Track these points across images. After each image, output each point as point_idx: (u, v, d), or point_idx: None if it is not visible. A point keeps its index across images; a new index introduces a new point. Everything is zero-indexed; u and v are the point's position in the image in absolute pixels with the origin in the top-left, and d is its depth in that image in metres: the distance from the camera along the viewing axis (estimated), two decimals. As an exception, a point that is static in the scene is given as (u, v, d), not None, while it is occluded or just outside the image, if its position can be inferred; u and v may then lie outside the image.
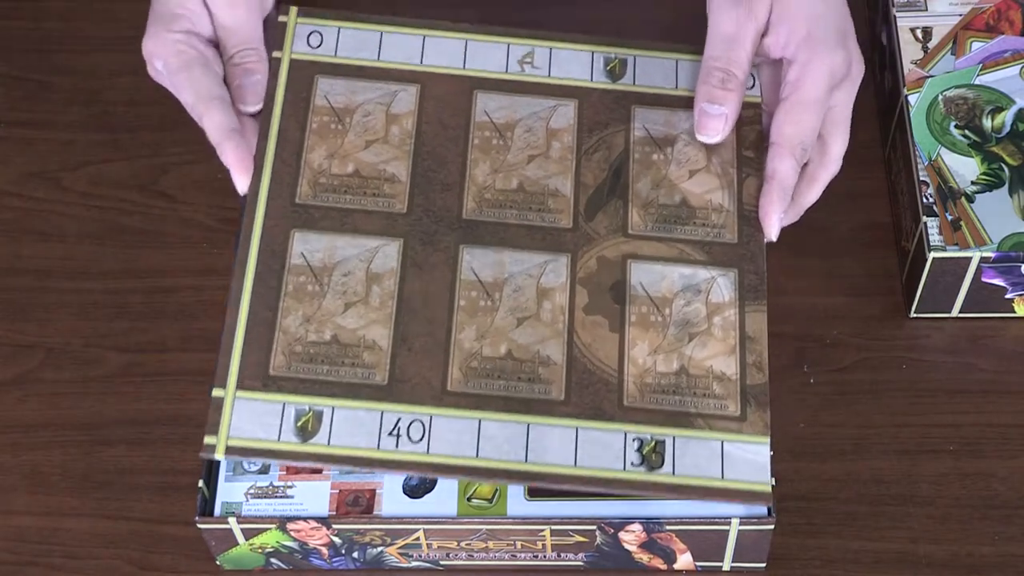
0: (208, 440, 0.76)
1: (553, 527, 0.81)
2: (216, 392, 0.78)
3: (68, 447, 0.90)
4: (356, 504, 0.82)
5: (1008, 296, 0.91)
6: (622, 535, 0.81)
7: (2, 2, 1.10)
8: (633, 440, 0.78)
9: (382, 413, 0.78)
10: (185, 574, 0.86)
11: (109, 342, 0.95)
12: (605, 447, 0.77)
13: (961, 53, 0.97)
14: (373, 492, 0.83)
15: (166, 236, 0.98)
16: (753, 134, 0.86)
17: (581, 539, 0.81)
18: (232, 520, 0.81)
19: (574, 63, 0.89)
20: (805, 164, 0.85)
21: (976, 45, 0.97)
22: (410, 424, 0.78)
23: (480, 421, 0.78)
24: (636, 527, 0.80)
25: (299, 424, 0.77)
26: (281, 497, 0.83)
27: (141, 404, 0.92)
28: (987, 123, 0.94)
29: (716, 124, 0.84)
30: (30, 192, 1.01)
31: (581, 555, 0.83)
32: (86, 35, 1.08)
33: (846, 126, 0.85)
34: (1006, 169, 0.92)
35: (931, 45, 0.97)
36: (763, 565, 0.84)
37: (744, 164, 0.85)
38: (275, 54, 0.88)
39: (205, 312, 0.94)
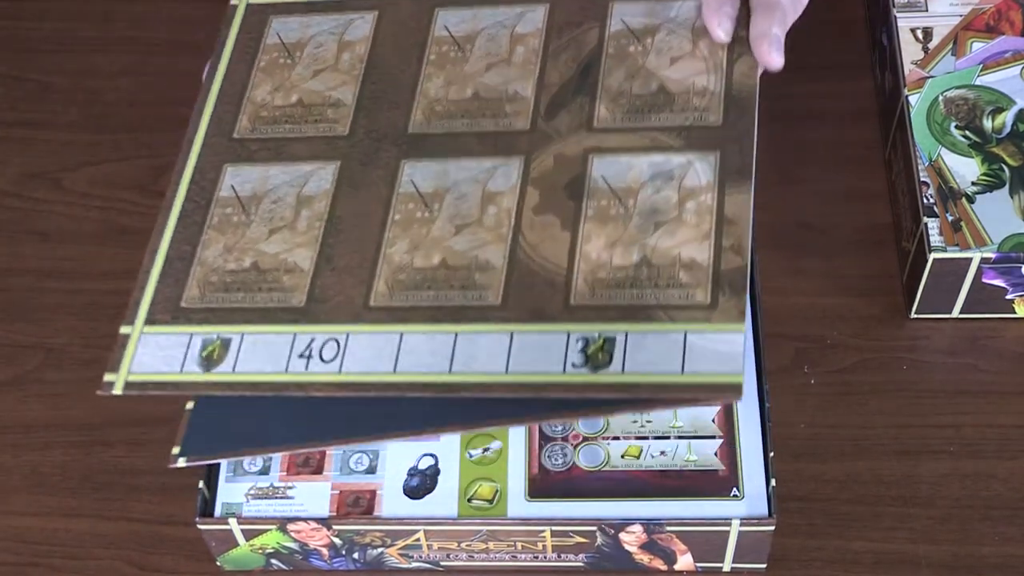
0: (107, 377, 0.74)
1: (553, 528, 0.81)
2: (123, 329, 0.75)
3: (68, 447, 0.90)
4: (356, 505, 0.82)
5: (1008, 297, 0.91)
6: (622, 536, 0.81)
7: (2, 2, 1.10)
8: (577, 341, 0.70)
9: (295, 336, 0.74)
10: (185, 575, 0.86)
11: (109, 342, 0.94)
12: (543, 350, 0.70)
13: (962, 53, 0.97)
14: (373, 493, 0.83)
15: (166, 236, 0.98)
16: (747, 11, 0.80)
17: (581, 540, 0.82)
18: (232, 521, 0.81)
19: None
20: None
21: (977, 45, 0.97)
22: (324, 344, 0.73)
23: (401, 335, 0.72)
24: (636, 528, 0.80)
25: (204, 354, 0.74)
26: (281, 498, 0.83)
27: (141, 404, 0.91)
28: (987, 124, 0.94)
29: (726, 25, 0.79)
30: (30, 192, 1.01)
31: (581, 556, 0.83)
32: (86, 35, 1.08)
33: None
34: (1006, 170, 0.92)
35: (931, 45, 0.97)
36: (763, 566, 0.84)
37: (737, 43, 0.80)
38: (232, 1, 0.87)
39: (205, 312, 0.94)
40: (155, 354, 0.75)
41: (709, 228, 0.73)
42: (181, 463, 0.79)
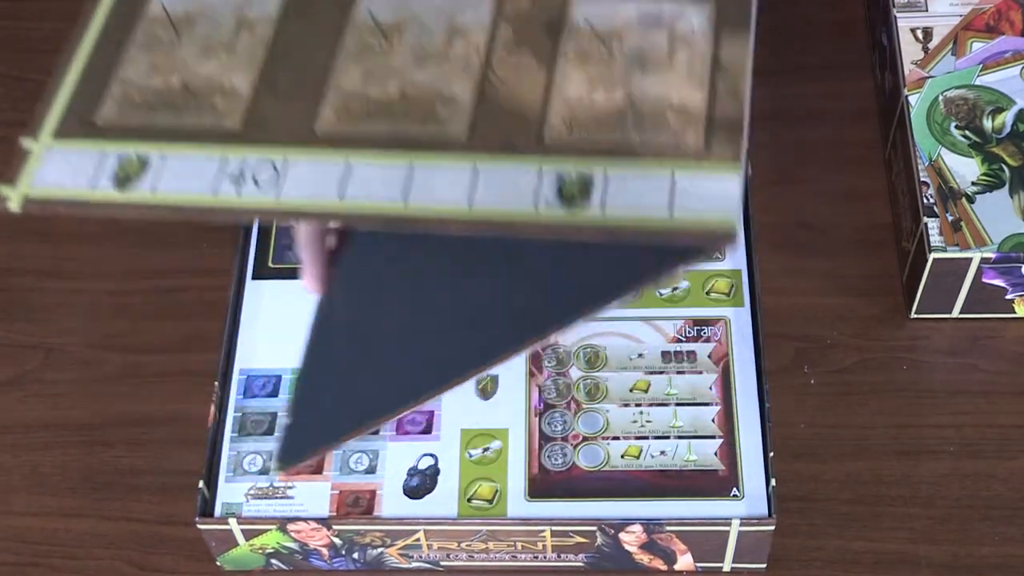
0: (2, 191, 0.67)
1: (553, 528, 0.81)
2: (25, 144, 0.69)
3: (68, 447, 0.90)
4: (356, 505, 0.82)
5: (1008, 297, 0.91)
6: (622, 536, 0.81)
7: (2, 2, 1.10)
8: (551, 177, 0.64)
9: (227, 159, 0.67)
10: (185, 575, 0.86)
11: (109, 342, 0.95)
12: (511, 186, 0.64)
13: (961, 53, 0.97)
14: (373, 493, 0.83)
15: (166, 236, 0.98)
16: None
17: (581, 540, 0.81)
18: (232, 521, 0.81)
19: None
20: None
21: (976, 45, 0.97)
22: (257, 166, 0.67)
23: (349, 163, 0.66)
24: (636, 528, 0.80)
25: (120, 172, 0.67)
26: (281, 498, 0.83)
27: (141, 404, 0.92)
28: (987, 124, 0.94)
29: None
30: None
31: (581, 556, 0.83)
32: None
33: None
34: (1006, 170, 0.92)
35: (931, 45, 0.97)
36: (763, 566, 0.84)
37: None
38: None
39: (205, 312, 0.94)
40: (61, 169, 0.68)
41: (702, 75, 0.67)
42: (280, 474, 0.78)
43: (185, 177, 0.67)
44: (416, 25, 0.71)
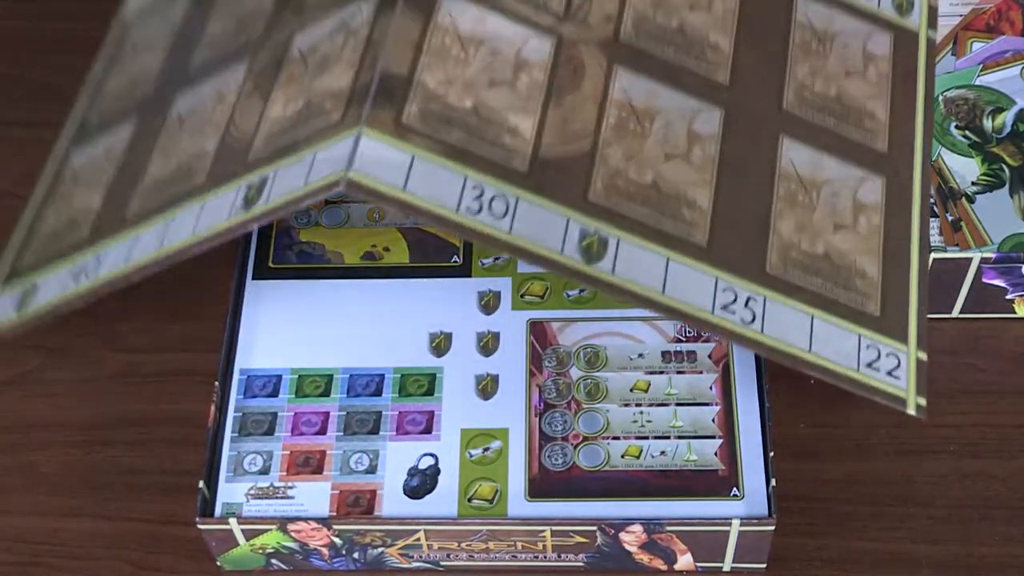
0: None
1: (554, 528, 0.81)
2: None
3: (68, 447, 0.90)
4: (356, 505, 0.82)
5: (1008, 297, 0.91)
6: (622, 536, 0.81)
7: (2, 2, 1.10)
8: (245, 187, 0.78)
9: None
10: (185, 575, 0.86)
11: (109, 342, 0.94)
12: (217, 208, 0.79)
13: (962, 53, 0.97)
14: (374, 493, 0.83)
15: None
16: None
17: (581, 540, 0.81)
18: (233, 521, 0.81)
19: None
20: None
21: (977, 45, 0.97)
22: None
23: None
24: (637, 528, 0.80)
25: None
26: (281, 498, 0.83)
27: (141, 404, 0.92)
28: (987, 124, 0.94)
29: None
30: (30, 192, 1.01)
31: (581, 556, 0.83)
32: (86, 35, 1.08)
33: None
34: (1006, 170, 0.92)
35: (931, 45, 0.97)
36: (763, 566, 0.84)
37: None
38: None
39: (205, 312, 0.94)
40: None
41: (357, 58, 0.78)
42: None
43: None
44: (663, 117, 0.81)
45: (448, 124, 0.76)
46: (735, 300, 0.77)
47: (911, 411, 0.77)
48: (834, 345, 0.78)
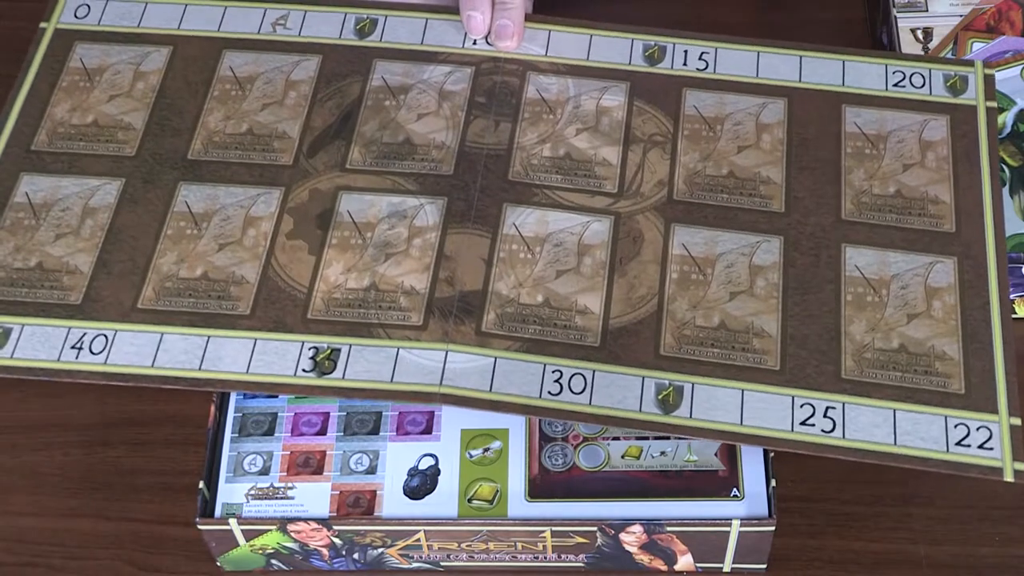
0: None
1: (554, 528, 0.81)
2: None
3: (68, 447, 0.90)
4: (356, 505, 0.82)
5: (1009, 297, 0.91)
6: (623, 536, 0.81)
7: (2, 2, 1.10)
8: (309, 348, 0.82)
9: (69, 329, 0.84)
10: (185, 575, 0.86)
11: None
12: (280, 356, 0.82)
13: (962, 54, 0.97)
14: (374, 493, 0.83)
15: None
16: (489, 83, 0.93)
17: (582, 540, 0.81)
18: (233, 521, 0.81)
19: (325, 24, 0.97)
20: None
21: (977, 46, 0.97)
22: (94, 338, 0.83)
23: (162, 335, 0.83)
24: (637, 528, 0.80)
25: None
26: (281, 498, 0.83)
27: (141, 404, 0.92)
28: (987, 124, 0.94)
29: (477, 26, 0.94)
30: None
31: (582, 556, 0.83)
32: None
33: None
34: (1007, 170, 0.92)
35: (932, 46, 0.98)
36: (764, 566, 0.84)
37: (473, 107, 0.92)
38: (41, 25, 0.96)
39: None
40: None
41: (429, 262, 0.85)
42: None
43: (38, 345, 0.83)
44: (221, 214, 0.88)
45: (523, 322, 0.83)
46: (813, 413, 0.80)
47: (1008, 479, 0.78)
48: (920, 433, 0.79)
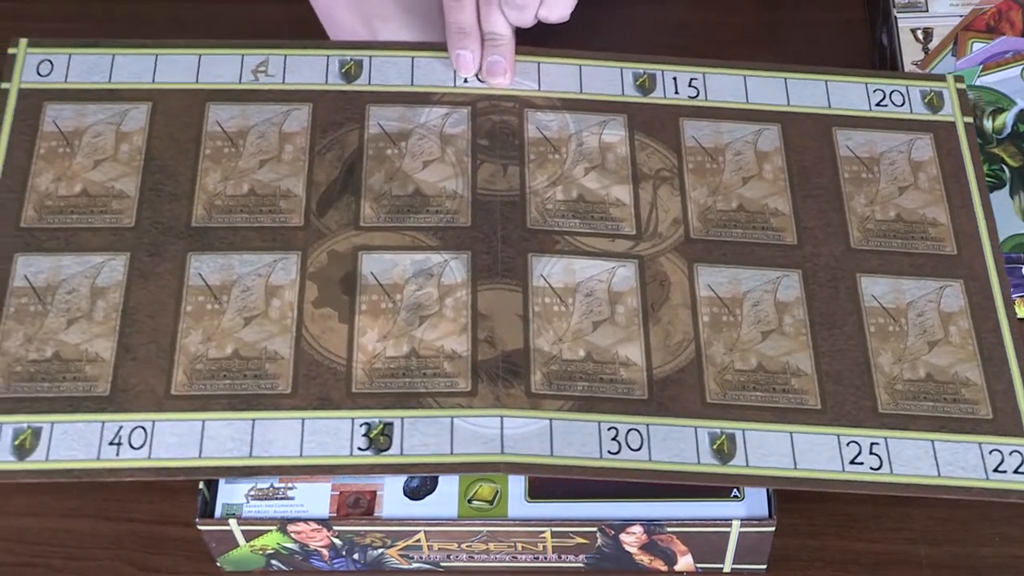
0: None
1: (554, 529, 0.81)
2: None
3: (68, 448, 0.90)
4: (357, 506, 0.82)
5: (1016, 317, 0.91)
6: (623, 537, 0.81)
7: (3, 2, 1.10)
8: (360, 425, 0.80)
9: (103, 423, 0.79)
10: (185, 575, 0.86)
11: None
12: (332, 435, 0.80)
13: (962, 54, 0.97)
14: (374, 494, 0.83)
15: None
16: (488, 124, 0.90)
17: (582, 541, 0.81)
18: (233, 522, 0.81)
19: (308, 68, 0.92)
20: None
21: (977, 46, 0.97)
22: (132, 431, 0.79)
23: (204, 422, 0.80)
24: (637, 529, 0.80)
25: (16, 443, 0.78)
26: (281, 499, 0.83)
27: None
28: (988, 124, 0.94)
29: (467, 64, 0.91)
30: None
31: (582, 557, 0.83)
32: (86, 35, 1.08)
33: None
34: (1007, 170, 0.92)
35: (932, 46, 0.98)
36: (764, 567, 0.84)
37: (478, 152, 0.90)
38: (3, 85, 0.90)
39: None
40: None
41: (465, 323, 0.83)
42: None
43: (72, 444, 0.79)
44: (240, 286, 0.84)
45: (570, 379, 0.82)
46: (860, 451, 0.80)
47: None
48: (959, 462, 0.80)
